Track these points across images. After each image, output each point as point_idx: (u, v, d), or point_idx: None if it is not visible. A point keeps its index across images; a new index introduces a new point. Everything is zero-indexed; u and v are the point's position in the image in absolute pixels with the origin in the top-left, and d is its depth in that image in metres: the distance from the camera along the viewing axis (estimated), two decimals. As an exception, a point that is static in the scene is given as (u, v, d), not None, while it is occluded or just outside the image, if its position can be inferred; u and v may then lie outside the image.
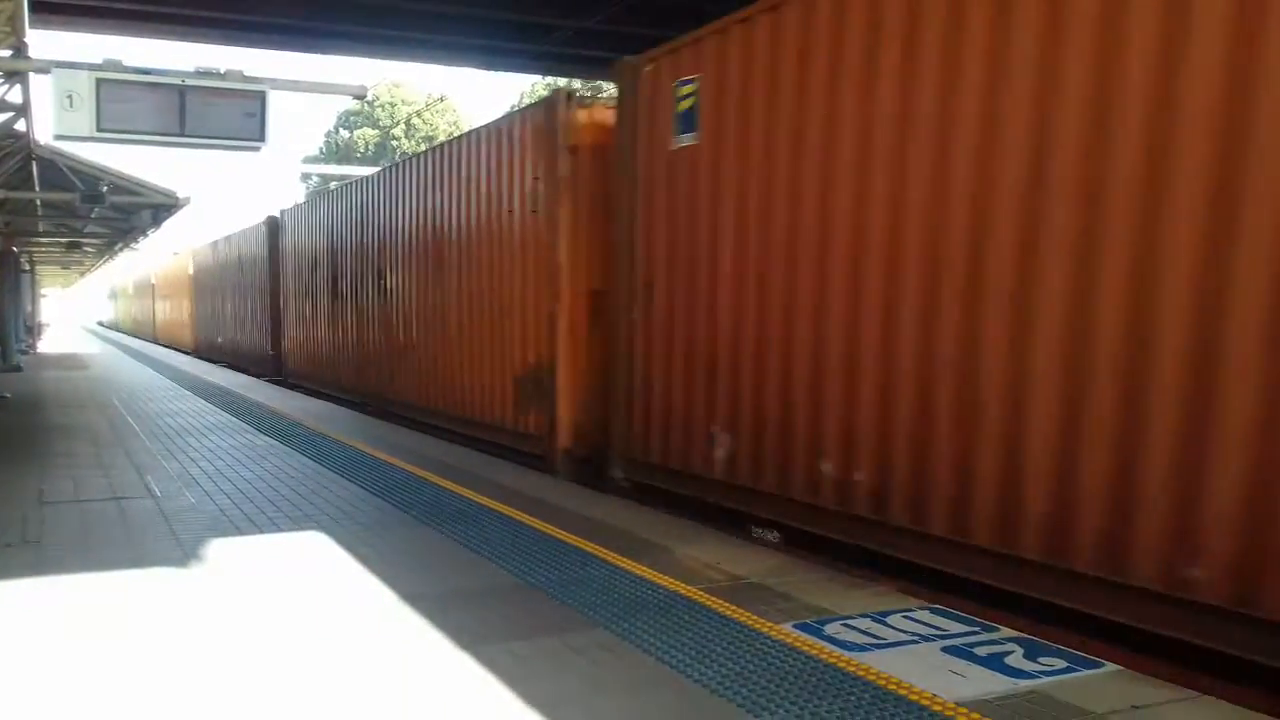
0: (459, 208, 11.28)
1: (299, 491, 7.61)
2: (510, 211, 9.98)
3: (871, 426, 5.79)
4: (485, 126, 10.78)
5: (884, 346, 5.69)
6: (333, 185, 21.28)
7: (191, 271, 31.21)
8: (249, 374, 21.38)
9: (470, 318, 11.08)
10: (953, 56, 5.24)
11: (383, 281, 14.06)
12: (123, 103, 8.76)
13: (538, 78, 34.84)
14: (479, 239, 10.76)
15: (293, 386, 18.44)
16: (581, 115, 9.00)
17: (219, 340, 27.19)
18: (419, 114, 50.95)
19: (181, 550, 5.78)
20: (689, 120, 7.37)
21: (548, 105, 9.21)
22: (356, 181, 15.88)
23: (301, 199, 17.49)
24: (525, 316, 9.77)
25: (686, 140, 7.41)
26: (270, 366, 20.76)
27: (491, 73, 19.13)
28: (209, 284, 28.48)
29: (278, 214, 20.44)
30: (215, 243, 27.32)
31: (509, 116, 10.41)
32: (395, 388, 13.57)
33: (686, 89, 7.39)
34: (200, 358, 28.30)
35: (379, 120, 51.57)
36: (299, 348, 19.02)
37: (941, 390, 5.33)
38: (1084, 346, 4.59)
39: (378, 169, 15.47)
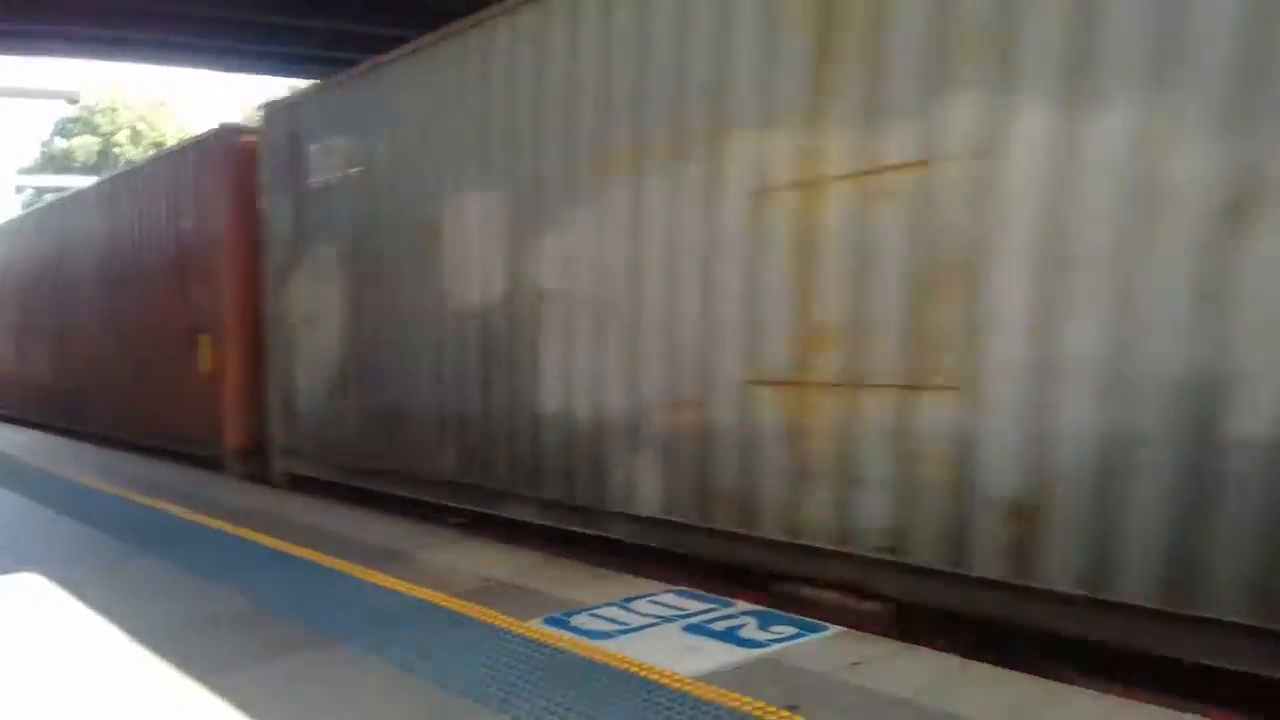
0: None
1: None
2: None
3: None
4: None
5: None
6: (47, 197, 20.56)
7: None
8: None
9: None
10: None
11: None
12: None
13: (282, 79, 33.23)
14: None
15: None
16: None
17: None
18: (144, 119, 47.06)
19: None
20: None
21: None
22: None
23: (17, 212, 17.39)
24: None
25: None
26: None
27: (245, 75, 18.64)
28: None
29: None
30: None
31: None
32: None
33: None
34: None
35: (99, 127, 47.02)
36: None
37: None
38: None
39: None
